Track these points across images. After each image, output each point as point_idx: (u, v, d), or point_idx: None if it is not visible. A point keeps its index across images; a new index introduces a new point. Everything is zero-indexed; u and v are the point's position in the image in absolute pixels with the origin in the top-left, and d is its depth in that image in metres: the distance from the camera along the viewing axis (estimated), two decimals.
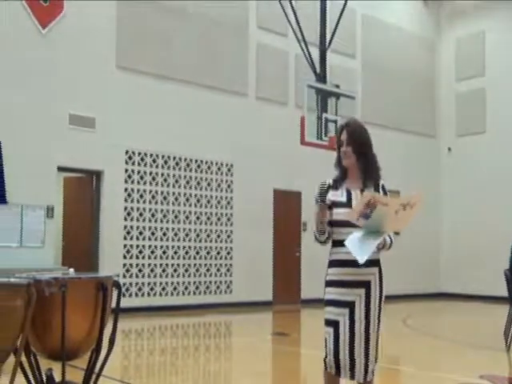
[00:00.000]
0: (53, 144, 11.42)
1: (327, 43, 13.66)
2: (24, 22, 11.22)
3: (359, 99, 15.60)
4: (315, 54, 13.50)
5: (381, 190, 3.86)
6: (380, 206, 3.48)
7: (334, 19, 13.66)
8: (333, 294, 3.78)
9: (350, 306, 3.73)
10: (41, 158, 11.17)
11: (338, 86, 13.12)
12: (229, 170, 14.26)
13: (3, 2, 10.92)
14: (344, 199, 3.80)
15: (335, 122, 12.34)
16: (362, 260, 3.53)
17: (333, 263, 3.82)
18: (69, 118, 11.75)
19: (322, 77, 13.26)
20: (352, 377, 3.75)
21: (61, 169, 11.78)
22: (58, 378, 4.18)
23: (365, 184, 3.84)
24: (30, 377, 4.22)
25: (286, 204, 15.16)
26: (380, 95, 17.38)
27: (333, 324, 3.76)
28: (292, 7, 13.33)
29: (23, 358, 4.06)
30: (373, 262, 3.74)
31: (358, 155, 3.83)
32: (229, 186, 14.27)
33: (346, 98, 12.83)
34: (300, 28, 13.11)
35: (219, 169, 14.12)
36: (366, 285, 3.75)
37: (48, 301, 3.97)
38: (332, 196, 3.82)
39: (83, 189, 12.71)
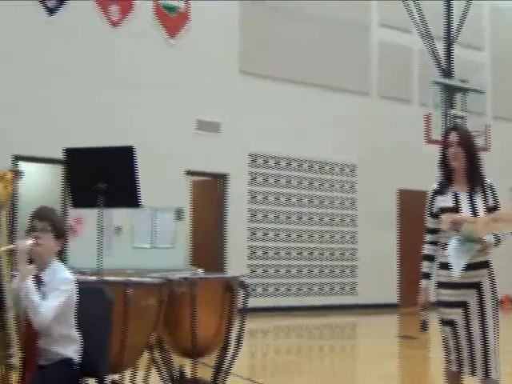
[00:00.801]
0: (181, 149, 11.85)
1: (453, 37, 13.23)
2: (154, 34, 11.73)
3: (489, 94, 14.98)
4: (440, 48, 13.12)
5: (488, 190, 3.82)
6: (466, 224, 3.60)
7: (458, 12, 13.21)
8: (444, 295, 3.80)
9: (463, 306, 3.72)
10: (170, 163, 11.63)
11: (465, 81, 12.67)
12: (352, 170, 14.16)
13: (137, 17, 11.47)
14: (450, 204, 3.79)
15: (462, 118, 11.93)
16: (456, 274, 3.65)
17: (442, 265, 3.82)
18: (196, 123, 12.17)
19: (448, 72, 12.86)
20: (473, 373, 3.71)
21: (189, 173, 12.21)
22: (188, 374, 4.35)
23: (472, 186, 3.80)
24: (163, 372, 4.41)
25: (411, 204, 14.80)
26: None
27: (449, 323, 3.76)
28: (415, 2, 13.03)
29: (156, 355, 4.26)
30: (481, 264, 3.74)
31: (468, 157, 3.81)
32: (352, 187, 14.17)
33: (474, 92, 12.35)
34: (425, 23, 12.78)
35: (342, 170, 14.06)
36: (477, 286, 3.73)
37: (178, 300, 4.13)
38: (440, 202, 3.83)
39: (210, 192, 13.09)
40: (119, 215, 10.49)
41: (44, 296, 3.24)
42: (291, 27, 13.36)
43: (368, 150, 14.17)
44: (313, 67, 13.61)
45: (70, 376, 3.31)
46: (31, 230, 3.34)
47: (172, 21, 11.97)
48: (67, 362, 3.29)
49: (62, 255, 3.39)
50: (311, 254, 13.56)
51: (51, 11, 10.43)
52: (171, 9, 11.99)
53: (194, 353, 4.20)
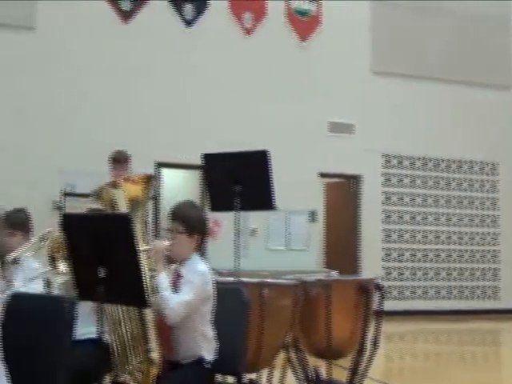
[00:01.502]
0: (314, 151, 11.91)
1: None
2: (286, 38, 11.88)
3: None
4: None
5: None
6: None
7: None
8: None
9: None
10: (303, 165, 11.72)
11: None
12: (493, 169, 13.55)
13: (269, 23, 11.67)
14: None
15: None
16: None
17: None
18: (328, 125, 12.18)
19: None
20: None
21: (322, 175, 12.24)
22: (324, 375, 4.37)
23: None
24: (298, 373, 4.47)
25: None
26: None
27: None
28: None
29: (292, 355, 4.32)
30: None
31: None
32: (493, 186, 13.56)
33: None
34: None
35: (482, 169, 13.49)
36: None
37: (313, 301, 4.17)
38: None
39: (343, 193, 13.03)
40: (254, 217, 10.71)
41: (180, 290, 3.33)
42: (426, 24, 13.02)
43: (510, 147, 13.50)
44: (449, 63, 13.16)
45: (202, 374, 3.35)
46: (167, 231, 3.47)
47: (304, 24, 12.07)
48: (200, 359, 3.33)
49: (201, 249, 3.49)
50: (449, 256, 13.12)
51: (189, 23, 10.87)
52: (303, 13, 12.09)
53: (329, 354, 4.22)
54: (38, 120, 9.01)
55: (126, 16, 10.06)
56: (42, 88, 9.17)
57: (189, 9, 10.83)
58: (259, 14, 11.64)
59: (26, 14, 9.02)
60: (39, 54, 9.12)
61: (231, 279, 4.28)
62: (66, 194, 8.94)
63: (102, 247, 2.96)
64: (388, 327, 10.52)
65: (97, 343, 3.12)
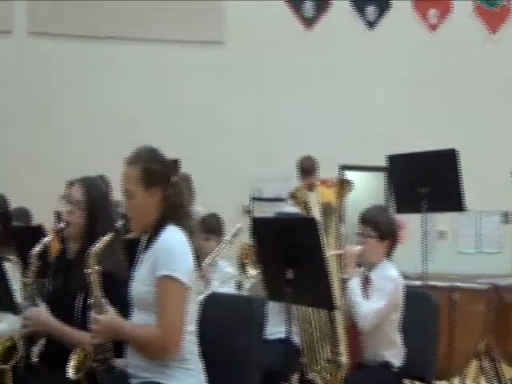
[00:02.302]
0: (505, 149, 11.24)
1: None
2: (473, 31, 11.37)
3: None
4: None
5: None
6: None
7: None
8: None
9: None
10: (495, 166, 11.11)
11: None
12: None
13: (453, 13, 11.26)
14: None
15: None
16: None
17: None
18: None
19: None
20: None
21: None
22: None
23: None
24: (493, 383, 4.26)
25: None
26: None
27: None
28: None
29: (485, 363, 4.13)
30: None
31: None
32: None
33: None
34: None
35: None
36: None
37: (508, 307, 3.96)
38: None
39: None
40: (442, 219, 10.35)
41: (370, 296, 3.33)
42: None
43: None
44: None
45: (389, 378, 3.32)
46: (358, 235, 3.49)
47: (493, 15, 11.47)
48: (386, 364, 3.32)
49: (391, 255, 3.47)
50: None
51: (371, 24, 10.79)
52: (492, 3, 11.49)
53: None
54: (232, 129, 9.40)
55: (309, 22, 10.23)
56: (231, 100, 9.58)
57: (371, 10, 10.77)
58: (445, 9, 11.26)
59: (215, 30, 9.50)
60: (229, 67, 9.53)
61: (418, 283, 4.19)
62: (254, 199, 9.28)
63: (289, 249, 3.04)
64: None
65: (286, 343, 3.21)
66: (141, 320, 2.56)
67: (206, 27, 9.37)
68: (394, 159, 4.89)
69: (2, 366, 2.87)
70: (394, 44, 10.85)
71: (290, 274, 3.03)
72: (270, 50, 9.61)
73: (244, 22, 9.57)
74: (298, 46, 9.91)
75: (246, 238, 4.01)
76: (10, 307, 2.92)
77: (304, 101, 9.88)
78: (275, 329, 3.66)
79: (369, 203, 3.67)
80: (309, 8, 10.31)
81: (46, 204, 5.91)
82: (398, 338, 3.36)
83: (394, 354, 3.34)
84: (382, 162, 5.10)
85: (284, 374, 3.21)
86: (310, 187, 3.70)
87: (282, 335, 3.39)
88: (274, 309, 3.55)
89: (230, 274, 4.23)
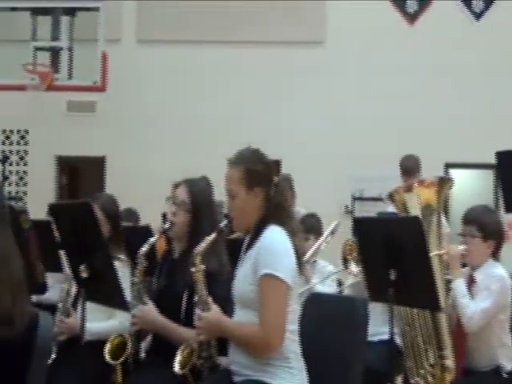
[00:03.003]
0: None
1: None
2: None
3: None
4: None
5: None
6: None
7: None
8: None
9: None
10: None
11: None
12: None
13: None
14: None
15: None
16: None
17: None
18: None
19: None
20: None
21: None
22: None
23: None
24: None
25: None
26: None
27: None
28: None
29: None
30: None
31: None
32: None
33: None
34: None
35: None
36: None
37: None
38: None
39: None
40: None
41: (475, 296, 3.23)
42: None
43: None
44: None
45: None
46: (461, 235, 3.40)
47: None
48: (498, 368, 3.23)
49: (497, 256, 3.36)
50: None
51: (478, 16, 10.43)
52: None
53: None
54: (333, 129, 9.35)
55: (412, 17, 10.02)
56: (332, 99, 9.52)
57: (478, 2, 10.40)
58: None
59: (316, 30, 9.48)
60: (328, 67, 9.48)
61: None
62: (356, 199, 9.19)
63: (392, 250, 3.00)
64: None
65: (388, 344, 3.16)
66: (243, 318, 2.61)
67: (308, 27, 9.37)
68: (503, 155, 4.69)
69: (113, 362, 3.00)
70: (501, 39, 10.42)
71: (393, 275, 2.99)
72: (371, 49, 9.48)
73: (345, 21, 9.49)
74: (401, 44, 9.72)
75: (349, 235, 3.99)
76: (121, 305, 3.04)
77: (410, 98, 9.66)
78: (377, 330, 3.61)
79: (476, 202, 3.57)
80: (412, 4, 10.09)
81: (152, 205, 6.12)
82: (509, 340, 3.24)
83: (506, 357, 3.22)
84: (492, 158, 4.92)
85: (387, 375, 3.17)
86: (409, 188, 3.64)
87: (385, 336, 3.35)
88: (376, 310, 3.51)
89: (331, 272, 4.23)
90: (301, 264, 2.62)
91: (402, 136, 9.26)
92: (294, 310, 2.61)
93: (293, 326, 2.60)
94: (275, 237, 2.59)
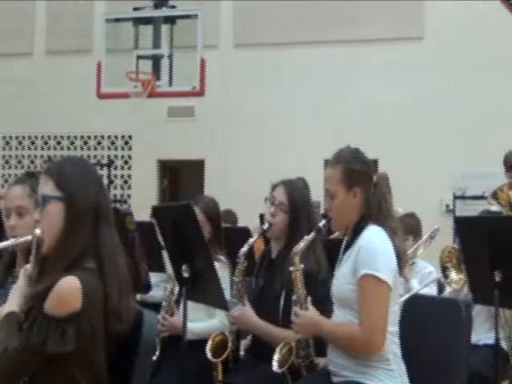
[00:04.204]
0: None
1: None
2: None
3: None
4: None
5: None
6: None
7: None
8: None
9: None
10: None
11: None
12: None
13: None
14: None
15: None
16: None
17: None
18: None
19: None
20: None
21: None
22: None
23: None
24: None
25: None
26: None
27: None
28: None
29: None
30: None
31: None
32: None
33: None
34: None
35: None
36: None
37: None
38: None
39: None
40: None
41: None
42: None
43: None
44: None
45: None
46: None
47: None
48: None
49: None
50: None
51: None
52: None
53: None
54: (432, 125, 9.09)
55: None
56: (432, 96, 9.25)
57: None
58: None
59: (415, 26, 9.26)
60: (428, 63, 9.23)
61: None
62: (457, 197, 8.91)
63: (497, 250, 2.90)
64: None
65: (494, 349, 3.05)
66: (342, 319, 2.59)
67: (407, 24, 9.16)
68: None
69: (214, 360, 3.06)
70: None
71: (498, 276, 2.89)
72: (469, 46, 9.16)
73: (444, 18, 9.23)
74: (504, 38, 9.32)
75: (449, 237, 3.88)
76: (221, 304, 3.09)
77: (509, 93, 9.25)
78: (482, 334, 3.50)
79: None
80: None
81: (250, 206, 6.19)
82: None
83: None
84: None
85: (492, 380, 3.05)
86: None
87: (489, 341, 3.24)
88: (480, 313, 3.40)
89: (433, 275, 4.11)
90: (402, 264, 2.57)
91: (508, 130, 8.87)
92: (395, 311, 2.58)
93: (393, 328, 2.56)
94: (375, 236, 2.56)
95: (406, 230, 4.21)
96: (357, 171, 2.63)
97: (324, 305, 2.71)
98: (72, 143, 10.21)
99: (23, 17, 10.10)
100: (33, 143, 10.37)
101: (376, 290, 2.47)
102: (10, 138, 10.42)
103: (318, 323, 2.61)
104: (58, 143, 10.25)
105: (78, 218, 2.01)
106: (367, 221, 2.60)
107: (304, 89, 9.20)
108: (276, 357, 2.72)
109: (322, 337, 2.66)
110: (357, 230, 2.61)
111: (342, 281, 2.60)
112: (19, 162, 10.44)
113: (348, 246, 2.65)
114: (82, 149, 10.13)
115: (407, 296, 3.16)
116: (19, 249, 2.47)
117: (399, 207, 5.23)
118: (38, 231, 2.03)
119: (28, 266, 2.08)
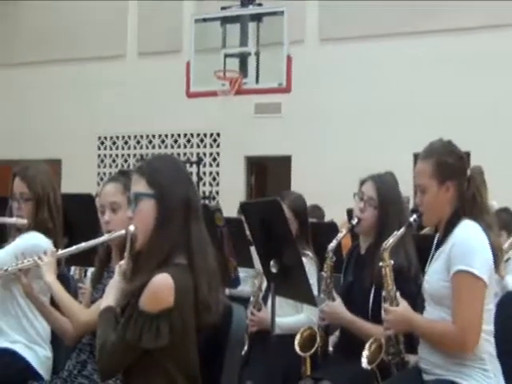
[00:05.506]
0: None
1: None
2: None
3: None
4: None
5: None
6: None
7: None
8: None
9: None
10: None
11: None
12: None
13: None
14: None
15: None
16: None
17: None
18: None
19: None
20: None
21: None
22: None
23: None
24: None
25: None
26: None
27: None
28: None
29: None
30: None
31: None
32: None
33: None
34: None
35: None
36: None
37: None
38: None
39: None
40: None
41: None
42: None
43: None
44: None
45: None
46: None
47: None
48: None
49: None
50: None
51: None
52: None
53: None
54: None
55: None
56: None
57: None
58: None
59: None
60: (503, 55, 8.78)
61: None
62: None
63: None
64: None
65: None
66: (434, 316, 2.53)
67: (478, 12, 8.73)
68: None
69: (303, 354, 3.06)
70: None
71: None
72: None
73: None
74: None
75: None
76: (308, 300, 3.09)
77: None
78: None
79: None
80: None
81: (336, 201, 6.15)
82: None
83: None
84: None
85: None
86: None
87: None
88: None
89: None
90: (497, 261, 2.49)
91: None
92: (490, 309, 2.50)
93: (488, 327, 2.48)
94: (470, 232, 2.48)
95: (500, 225, 4.07)
96: (450, 165, 2.55)
97: (414, 301, 2.66)
98: (163, 141, 10.46)
99: (115, 21, 10.44)
100: (126, 143, 10.70)
101: (471, 287, 2.40)
102: (105, 138, 10.79)
103: (409, 319, 2.56)
104: (150, 142, 10.52)
105: (169, 215, 2.07)
106: (461, 216, 2.53)
107: (393, 82, 9.01)
108: (365, 353, 2.70)
109: (414, 333, 2.61)
110: (450, 226, 2.54)
111: (434, 277, 2.54)
112: (113, 160, 10.80)
113: (441, 242, 2.58)
114: (172, 147, 10.36)
115: (501, 293, 3.05)
116: (114, 244, 2.58)
117: (494, 201, 5.06)
118: (131, 228, 2.10)
119: (122, 262, 2.16)
